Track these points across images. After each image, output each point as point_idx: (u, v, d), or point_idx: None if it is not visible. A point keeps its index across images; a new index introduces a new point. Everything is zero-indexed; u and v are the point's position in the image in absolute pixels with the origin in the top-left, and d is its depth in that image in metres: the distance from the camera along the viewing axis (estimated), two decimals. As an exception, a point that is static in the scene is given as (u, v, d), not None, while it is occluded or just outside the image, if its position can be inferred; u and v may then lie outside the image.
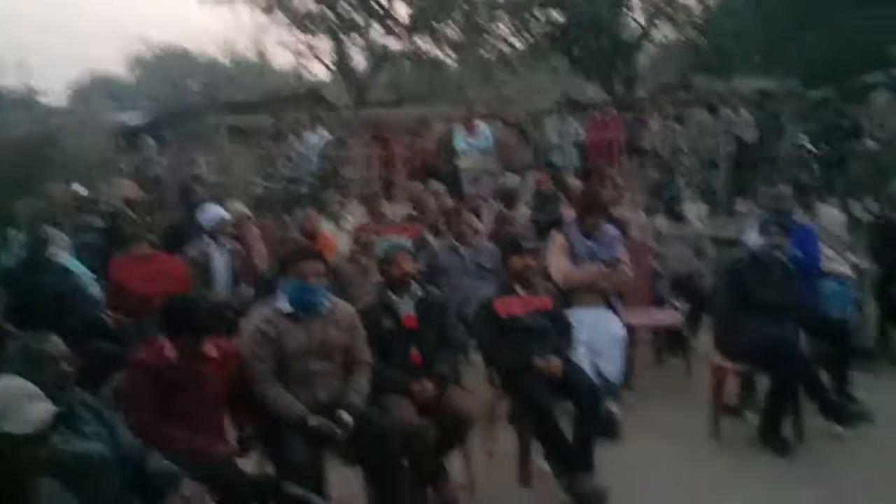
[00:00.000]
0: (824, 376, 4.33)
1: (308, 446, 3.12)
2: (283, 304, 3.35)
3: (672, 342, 5.52)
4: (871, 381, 4.78)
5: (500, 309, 3.94)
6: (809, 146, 9.61)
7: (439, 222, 5.68)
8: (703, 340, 5.01)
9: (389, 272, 3.73)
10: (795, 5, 23.23)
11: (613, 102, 11.81)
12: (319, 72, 18.12)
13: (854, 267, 5.40)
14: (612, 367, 4.36)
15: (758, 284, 4.22)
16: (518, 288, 4.02)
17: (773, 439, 4.02)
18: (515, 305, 3.96)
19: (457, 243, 5.22)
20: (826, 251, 5.19)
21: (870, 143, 8.61)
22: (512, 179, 8.58)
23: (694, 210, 8.36)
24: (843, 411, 4.03)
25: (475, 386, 4.76)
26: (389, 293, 3.72)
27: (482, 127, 9.35)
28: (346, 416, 3.21)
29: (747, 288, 4.21)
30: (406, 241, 3.88)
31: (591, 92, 15.25)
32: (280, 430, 3.17)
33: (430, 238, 5.68)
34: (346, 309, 3.47)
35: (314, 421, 3.15)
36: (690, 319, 5.44)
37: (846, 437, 4.07)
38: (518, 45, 15.47)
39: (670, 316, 5.27)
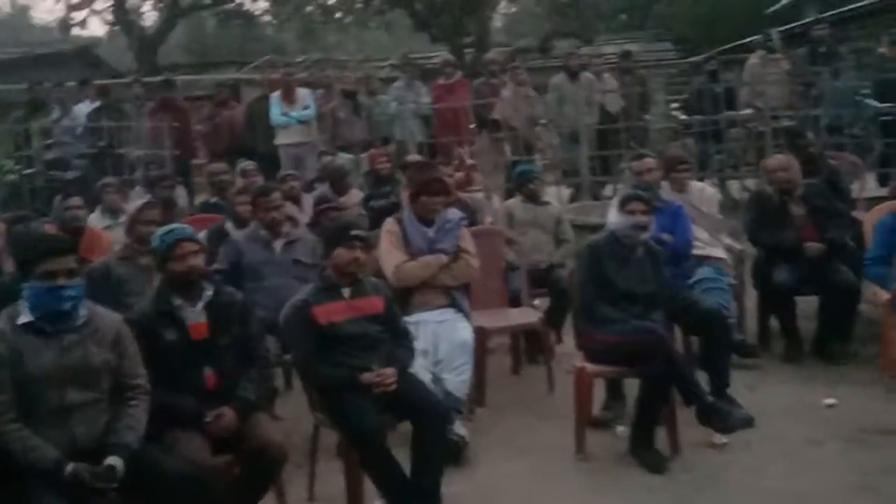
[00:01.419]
0: (701, 376, 4.56)
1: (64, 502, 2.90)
2: (24, 315, 3.06)
3: (531, 347, 5.62)
4: (753, 379, 5.09)
5: (320, 315, 3.82)
6: (682, 116, 10.19)
7: (245, 209, 5.45)
8: (569, 343, 5.12)
9: (170, 268, 3.51)
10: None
11: (462, 67, 11.97)
12: (95, 27, 17.19)
13: (730, 250, 5.72)
14: (458, 379, 4.36)
15: (619, 270, 4.34)
16: (343, 288, 3.92)
17: (645, 453, 4.14)
18: (338, 310, 3.86)
19: (267, 234, 5.03)
20: (699, 233, 5.45)
21: (745, 112, 9.22)
22: (341, 158, 8.51)
23: (554, 192, 8.68)
24: (722, 416, 4.22)
25: (291, 412, 4.64)
26: (172, 296, 3.50)
27: (304, 95, 9.20)
28: (114, 461, 3.01)
29: (607, 275, 4.32)
30: (189, 229, 3.67)
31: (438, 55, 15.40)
32: (26, 482, 2.93)
33: (233, 228, 5.45)
34: (108, 319, 3.24)
35: (71, 468, 2.93)
36: (552, 319, 5.55)
37: (727, 445, 4.27)
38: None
39: (528, 316, 5.35)
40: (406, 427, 3.80)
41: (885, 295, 4.81)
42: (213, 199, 6.95)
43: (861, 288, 5.32)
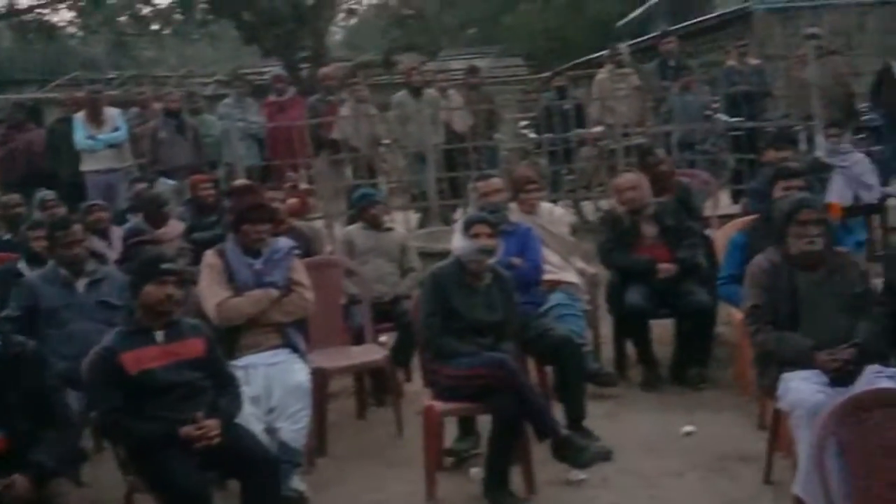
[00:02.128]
0: (557, 408, 4.65)
1: None
2: None
3: (378, 387, 5.58)
4: (610, 408, 5.24)
5: (129, 363, 3.67)
6: (532, 134, 10.48)
7: (40, 245, 5.18)
8: (419, 381, 5.12)
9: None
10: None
11: (297, 83, 11.89)
12: None
13: (583, 274, 5.89)
14: (294, 428, 4.27)
15: (465, 299, 4.38)
16: (156, 331, 3.77)
17: (499, 495, 4.16)
18: (151, 356, 3.71)
19: (67, 273, 4.78)
20: (550, 257, 5.59)
21: (596, 129, 9.58)
22: (162, 184, 8.25)
23: (400, 217, 8.72)
24: (578, 451, 4.31)
25: (101, 474, 4.40)
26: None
27: (113, 115, 8.89)
28: None
29: (453, 304, 4.35)
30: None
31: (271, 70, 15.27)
32: None
33: (26, 268, 5.16)
34: None
35: None
36: (399, 355, 5.54)
37: (585, 481, 4.35)
38: (165, 4, 15.06)
39: (373, 353, 5.32)
40: (235, 485, 3.68)
41: (739, 315, 5.06)
42: (6, 236, 6.58)
43: (716, 309, 5.59)
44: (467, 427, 4.71)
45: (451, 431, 4.69)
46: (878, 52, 10.79)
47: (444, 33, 20.28)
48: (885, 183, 8.09)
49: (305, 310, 4.64)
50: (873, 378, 3.58)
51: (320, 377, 4.77)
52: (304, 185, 8.80)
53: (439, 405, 4.34)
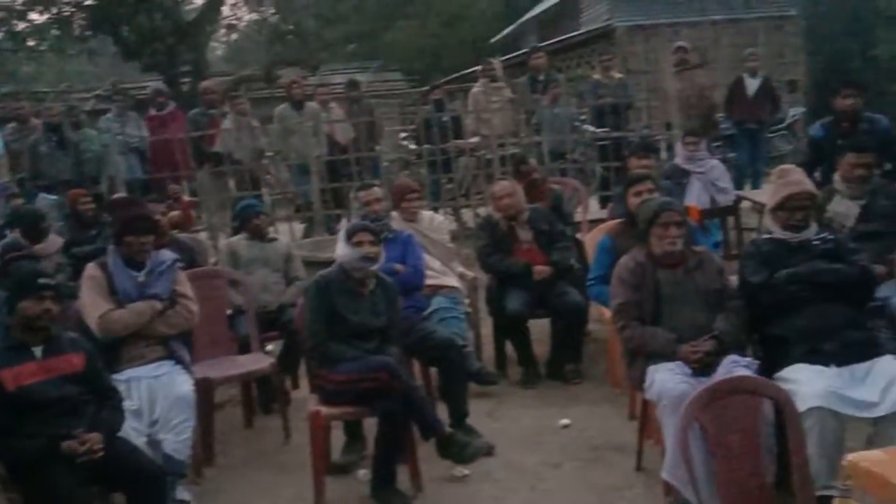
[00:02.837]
0: (441, 408, 4.66)
1: None
2: None
3: (265, 395, 5.48)
4: (492, 406, 5.29)
5: (6, 379, 3.51)
6: (412, 146, 10.52)
7: None
8: (306, 388, 5.05)
9: None
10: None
11: (178, 97, 11.61)
12: None
13: (463, 278, 5.94)
14: (178, 439, 4.14)
15: (350, 305, 4.35)
16: (34, 346, 3.62)
17: (387, 494, 4.15)
18: (29, 372, 3.55)
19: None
20: (432, 262, 5.61)
21: (472, 140, 9.68)
22: (43, 199, 7.92)
23: (285, 228, 8.61)
24: (462, 447, 4.33)
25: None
26: None
27: (-15, 131, 8.48)
28: None
29: (337, 310, 4.31)
30: None
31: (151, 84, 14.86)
32: None
33: None
34: None
35: None
36: (286, 363, 5.46)
37: (469, 476, 4.38)
38: (41, 20, 14.44)
39: (259, 362, 5.21)
40: (120, 499, 3.55)
41: (608, 313, 5.19)
42: None
43: (587, 308, 5.72)
44: (354, 431, 4.67)
45: (338, 436, 4.65)
46: (732, 66, 11.25)
47: (325, 48, 20.14)
48: (738, 186, 8.46)
49: (190, 321, 4.52)
50: (731, 367, 3.73)
51: (205, 387, 4.66)
52: (186, 198, 8.58)
53: (325, 410, 4.29)
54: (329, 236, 8.43)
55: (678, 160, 7.26)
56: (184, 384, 4.28)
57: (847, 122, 5.76)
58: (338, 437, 4.67)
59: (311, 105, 9.57)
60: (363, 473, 4.41)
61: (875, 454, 2.49)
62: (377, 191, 5.61)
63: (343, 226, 8.80)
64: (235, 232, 6.11)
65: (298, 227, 9.25)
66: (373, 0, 25.06)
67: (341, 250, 4.47)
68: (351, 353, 4.26)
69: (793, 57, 16.82)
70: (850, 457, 2.45)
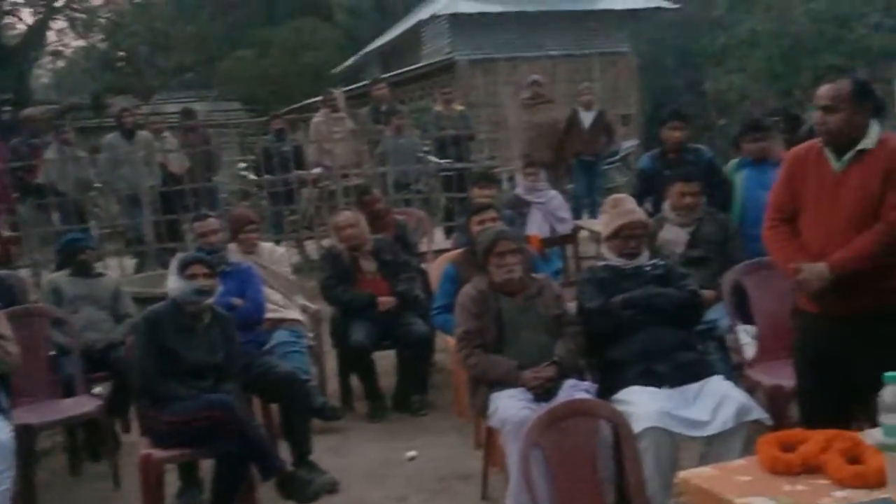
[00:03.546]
0: (284, 445, 4.56)
1: None
2: None
3: (92, 440, 5.21)
4: (337, 441, 5.22)
5: None
6: (251, 176, 10.36)
7: None
8: (138, 431, 4.83)
9: None
10: (235, 17, 25.26)
11: (-3, 126, 11.03)
12: None
13: (306, 311, 5.86)
14: (-6, 491, 3.86)
15: (184, 341, 4.21)
16: None
17: (224, 539, 4.02)
18: None
19: None
20: (273, 295, 5.52)
21: (315, 171, 9.63)
22: None
23: (115, 263, 8.27)
24: (304, 485, 4.26)
25: None
26: None
27: None
28: None
29: (170, 347, 4.17)
30: None
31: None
32: None
33: None
34: None
35: None
36: (115, 405, 5.21)
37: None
38: None
39: (85, 405, 4.95)
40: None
41: (452, 341, 5.24)
42: None
43: (433, 337, 5.76)
44: (189, 474, 4.50)
45: (172, 481, 4.48)
46: (567, 100, 11.66)
47: (159, 76, 19.60)
48: (576, 216, 8.77)
49: (9, 365, 4.24)
50: (571, 391, 3.84)
51: (26, 434, 4.37)
52: (6, 233, 8.12)
53: (157, 453, 4.11)
54: (163, 271, 8.16)
55: (519, 191, 7.47)
56: (1, 432, 4.00)
57: (673, 153, 6.07)
58: (172, 482, 4.49)
59: (143, 134, 9.29)
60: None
61: (705, 471, 2.61)
62: (213, 222, 5.47)
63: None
64: (59, 268, 5.83)
65: (130, 263, 8.91)
66: (209, 28, 24.66)
67: (173, 283, 4.32)
68: (184, 392, 4.11)
69: (626, 92, 17.64)
70: (682, 474, 2.56)
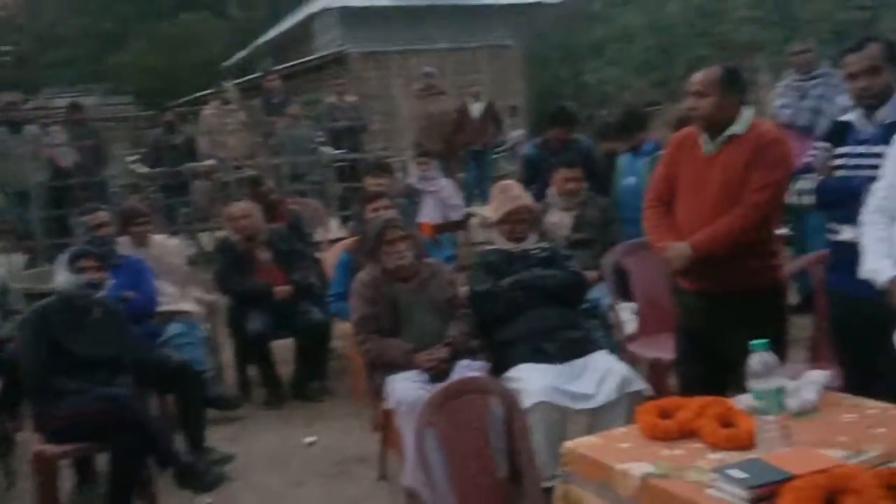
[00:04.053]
0: (179, 437, 4.45)
1: None
2: None
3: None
4: (235, 430, 5.13)
5: None
6: (142, 169, 10.05)
7: None
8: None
9: None
10: (123, 10, 24.47)
11: None
12: None
13: (201, 302, 5.72)
14: None
15: (74, 335, 4.06)
16: None
17: (124, 532, 3.90)
18: None
19: None
20: (166, 287, 5.37)
21: (207, 163, 9.41)
22: None
23: (4, 260, 7.91)
24: (200, 475, 4.17)
25: None
26: None
27: None
28: None
29: (60, 341, 4.01)
30: None
31: None
32: None
33: None
34: None
35: None
36: (5, 402, 4.98)
37: (211, 503, 4.21)
38: None
39: (-26, 404, 4.72)
40: None
41: (349, 328, 5.20)
42: None
43: (330, 325, 5.71)
44: (84, 469, 4.35)
45: (68, 476, 4.32)
46: (457, 92, 11.69)
47: (47, 71, 18.80)
48: (468, 204, 8.82)
49: None
50: (464, 371, 3.87)
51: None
52: None
53: (51, 449, 3.95)
54: (49, 266, 7.85)
55: (411, 179, 7.47)
56: None
57: (556, 140, 6.17)
58: (69, 479, 4.32)
59: (30, 128, 8.88)
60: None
61: (589, 440, 2.66)
62: (102, 214, 5.28)
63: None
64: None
65: (20, 259, 8.53)
66: (98, 22, 23.79)
67: (62, 277, 4.15)
68: (76, 387, 3.95)
69: (512, 83, 17.81)
70: (568, 444, 2.59)
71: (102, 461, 4.21)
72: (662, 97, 9.46)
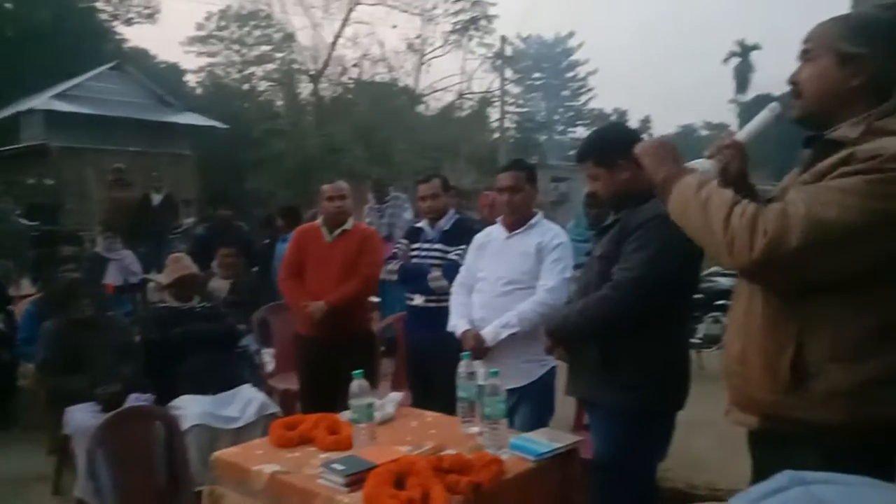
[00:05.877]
0: None
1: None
2: None
3: None
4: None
5: None
6: None
7: None
8: None
9: None
10: None
11: None
12: None
13: None
14: None
15: None
16: None
17: None
18: None
19: None
20: None
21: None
22: None
23: None
24: None
25: None
26: None
27: None
28: None
29: None
30: None
31: None
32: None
33: None
34: None
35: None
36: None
37: None
38: None
39: None
40: None
41: (33, 368, 4.44)
42: None
43: (17, 365, 4.81)
44: None
45: None
46: (143, 186, 10.66)
47: None
48: (146, 271, 8.06)
49: None
50: (134, 401, 3.46)
51: None
52: None
53: None
54: None
55: (98, 249, 6.72)
56: None
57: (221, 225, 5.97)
58: None
59: None
60: None
61: (233, 450, 2.52)
62: None
63: None
64: None
65: None
66: None
67: None
68: None
69: (189, 183, 16.94)
70: (216, 454, 2.44)
71: None
72: (301, 203, 9.54)
